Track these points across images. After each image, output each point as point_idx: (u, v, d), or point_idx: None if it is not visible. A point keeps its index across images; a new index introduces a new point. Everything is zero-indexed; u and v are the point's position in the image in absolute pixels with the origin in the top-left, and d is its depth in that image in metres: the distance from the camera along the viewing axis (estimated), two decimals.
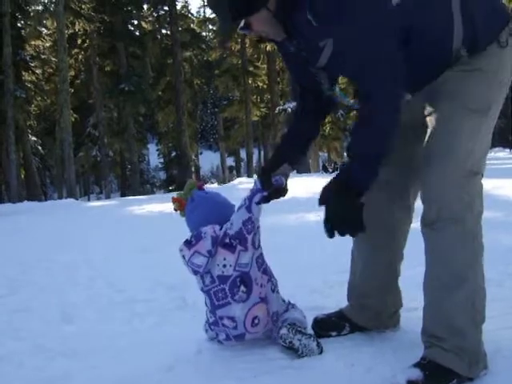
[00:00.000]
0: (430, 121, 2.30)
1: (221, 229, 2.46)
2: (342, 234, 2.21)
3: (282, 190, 2.57)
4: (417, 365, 2.15)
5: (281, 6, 2.22)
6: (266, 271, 2.53)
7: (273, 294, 2.54)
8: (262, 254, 2.55)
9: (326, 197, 2.22)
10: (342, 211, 2.18)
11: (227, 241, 2.38)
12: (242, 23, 2.28)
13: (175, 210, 2.65)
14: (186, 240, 2.47)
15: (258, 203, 2.50)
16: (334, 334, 2.71)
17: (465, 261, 2.18)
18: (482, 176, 2.25)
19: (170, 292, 3.74)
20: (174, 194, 2.70)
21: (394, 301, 2.73)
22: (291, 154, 2.64)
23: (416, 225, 2.53)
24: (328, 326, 2.73)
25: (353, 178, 2.16)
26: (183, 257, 2.45)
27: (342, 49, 2.17)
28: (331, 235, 2.21)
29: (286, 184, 2.59)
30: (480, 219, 2.24)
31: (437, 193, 2.18)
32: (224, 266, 2.40)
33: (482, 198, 2.24)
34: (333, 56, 2.23)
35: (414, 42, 2.21)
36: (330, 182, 2.23)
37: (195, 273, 2.44)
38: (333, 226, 2.19)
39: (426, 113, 2.35)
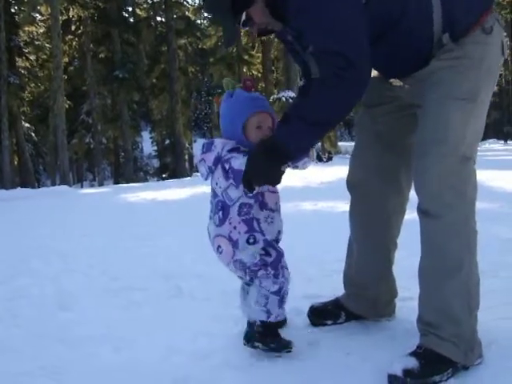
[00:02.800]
0: (421, 111, 2.30)
1: (232, 150, 2.35)
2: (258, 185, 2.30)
3: None
4: (413, 353, 2.16)
5: None
6: (247, 223, 2.40)
7: (248, 246, 2.41)
8: (251, 206, 2.42)
9: (254, 152, 2.26)
10: (262, 169, 2.24)
11: (227, 167, 2.32)
12: (243, 17, 2.30)
13: (249, 85, 2.45)
14: (203, 143, 2.48)
15: None
16: (329, 322, 2.72)
17: (459, 247, 2.20)
18: (475, 162, 2.26)
19: (167, 281, 3.74)
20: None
21: (388, 290, 2.75)
22: None
23: (409, 215, 2.54)
24: (324, 314, 2.74)
25: (287, 142, 2.21)
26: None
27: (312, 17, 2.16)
28: (250, 189, 2.29)
29: None
30: (473, 206, 2.25)
31: (430, 181, 2.19)
32: (216, 184, 2.40)
33: (476, 184, 2.26)
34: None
35: (393, 30, 2.24)
36: (263, 141, 2.29)
37: (202, 176, 2.47)
38: (250, 179, 2.25)
39: (416, 102, 2.36)
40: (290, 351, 2.37)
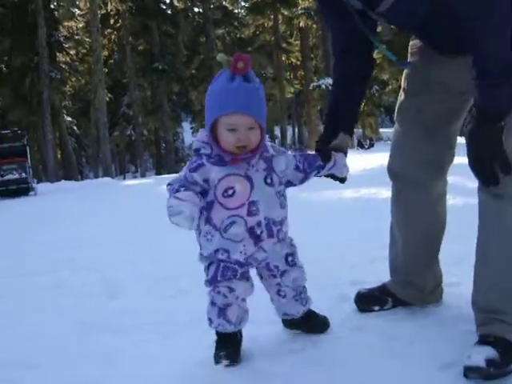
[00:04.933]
0: None
1: (195, 151, 2.16)
2: (492, 173, 2.02)
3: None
4: (484, 343, 2.05)
5: None
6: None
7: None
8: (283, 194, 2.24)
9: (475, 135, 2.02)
10: (491, 145, 2.00)
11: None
12: None
13: (240, 67, 2.01)
14: None
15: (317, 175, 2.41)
16: (376, 308, 2.67)
17: None
18: None
19: None
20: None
21: (435, 276, 2.69)
22: (345, 121, 2.52)
23: (454, 201, 2.49)
24: (371, 300, 2.70)
25: (501, 103, 1.99)
26: None
27: None
28: (488, 179, 2.04)
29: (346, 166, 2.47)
30: None
31: None
32: None
33: None
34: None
35: None
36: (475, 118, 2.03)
37: None
38: (482, 164, 2.02)
39: (466, 89, 2.24)
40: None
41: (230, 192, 2.08)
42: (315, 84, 32.42)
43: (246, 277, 2.24)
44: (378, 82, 32.60)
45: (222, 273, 2.17)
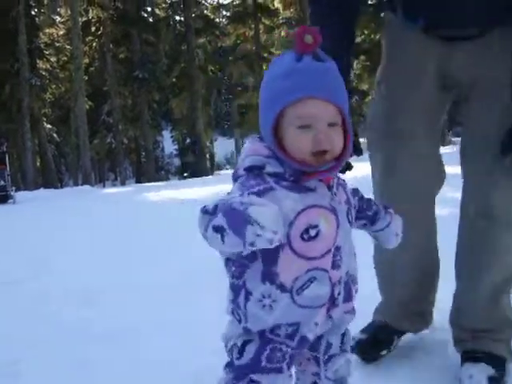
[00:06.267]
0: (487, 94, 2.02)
1: (250, 171, 1.38)
2: None
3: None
4: (475, 359, 2.05)
5: None
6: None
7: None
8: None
9: None
10: None
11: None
12: None
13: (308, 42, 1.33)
14: None
15: None
16: (384, 353, 2.31)
17: None
18: None
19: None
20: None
21: (434, 296, 2.46)
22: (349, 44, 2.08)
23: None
24: (376, 345, 2.32)
25: None
26: None
27: None
28: None
29: None
30: None
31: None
32: None
33: None
34: None
35: None
36: None
37: None
38: None
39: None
40: None
41: (313, 233, 1.34)
42: None
43: (290, 365, 1.45)
44: (358, 92, 32.76)
45: (269, 356, 1.39)
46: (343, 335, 1.52)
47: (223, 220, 1.16)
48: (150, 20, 37.50)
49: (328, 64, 1.36)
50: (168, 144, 48.05)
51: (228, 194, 1.32)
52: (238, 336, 1.41)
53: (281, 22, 35.44)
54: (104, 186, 33.80)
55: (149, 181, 27.61)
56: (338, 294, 1.40)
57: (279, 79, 1.35)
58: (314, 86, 1.32)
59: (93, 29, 35.85)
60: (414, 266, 2.30)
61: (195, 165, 33.26)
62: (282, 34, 35.23)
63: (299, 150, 1.32)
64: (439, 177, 2.26)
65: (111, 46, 35.52)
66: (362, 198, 1.58)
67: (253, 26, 36.21)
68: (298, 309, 1.35)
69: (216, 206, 1.21)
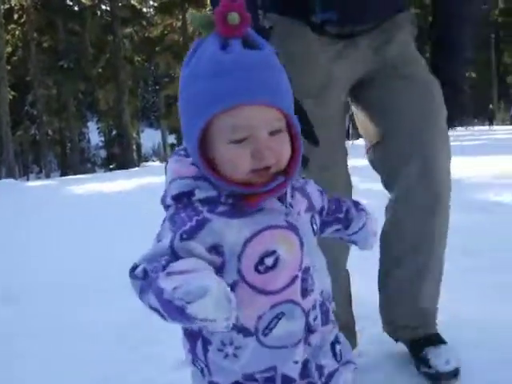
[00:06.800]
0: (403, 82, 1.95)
1: (178, 200, 1.08)
2: None
3: None
4: (438, 342, 2.04)
5: None
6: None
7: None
8: None
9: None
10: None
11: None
12: None
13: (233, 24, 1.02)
14: None
15: None
16: None
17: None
18: None
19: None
20: None
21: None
22: None
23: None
24: None
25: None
26: None
27: None
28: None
29: None
30: None
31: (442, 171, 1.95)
32: None
33: None
34: None
35: None
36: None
37: None
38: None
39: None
40: None
41: (270, 262, 1.07)
42: None
43: None
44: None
45: None
46: (333, 347, 1.20)
47: (158, 305, 0.91)
48: (75, 8, 36.91)
49: (265, 51, 1.05)
50: (94, 136, 47.45)
51: (157, 235, 1.05)
52: None
53: (209, 12, 35.42)
54: (28, 179, 33.09)
55: (74, 173, 27.19)
56: (315, 319, 1.14)
57: (203, 78, 1.03)
58: (249, 88, 1.01)
59: (16, 16, 35.01)
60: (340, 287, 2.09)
61: (122, 157, 33.00)
62: None
63: (235, 168, 1.03)
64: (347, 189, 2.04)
65: (35, 34, 34.79)
66: (330, 199, 1.31)
67: (180, 16, 36.04)
68: (270, 352, 1.10)
69: (146, 273, 0.96)
